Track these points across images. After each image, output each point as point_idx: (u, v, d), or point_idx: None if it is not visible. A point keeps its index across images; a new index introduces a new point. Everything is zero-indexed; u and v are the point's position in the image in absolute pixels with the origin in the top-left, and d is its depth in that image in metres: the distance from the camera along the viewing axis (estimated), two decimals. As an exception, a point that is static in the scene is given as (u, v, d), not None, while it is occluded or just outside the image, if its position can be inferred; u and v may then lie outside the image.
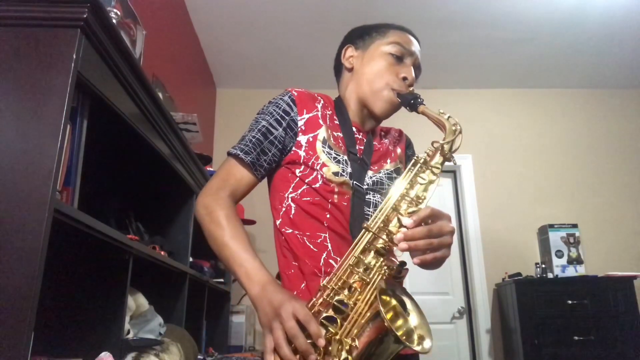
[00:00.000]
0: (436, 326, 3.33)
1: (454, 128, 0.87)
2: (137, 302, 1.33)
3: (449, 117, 0.89)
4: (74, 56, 0.85)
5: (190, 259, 1.86)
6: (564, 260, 3.32)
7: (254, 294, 0.80)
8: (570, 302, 2.95)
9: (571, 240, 3.37)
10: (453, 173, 3.77)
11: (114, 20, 1.22)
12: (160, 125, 1.38)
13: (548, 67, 3.61)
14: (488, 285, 3.42)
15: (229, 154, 0.96)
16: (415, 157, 0.88)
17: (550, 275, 3.21)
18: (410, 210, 0.81)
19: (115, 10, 1.36)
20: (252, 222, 2.98)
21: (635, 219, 3.59)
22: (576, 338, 2.86)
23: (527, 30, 3.13)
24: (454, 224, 4.08)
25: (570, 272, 3.28)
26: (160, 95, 1.57)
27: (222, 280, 2.43)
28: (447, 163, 0.88)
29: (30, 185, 0.78)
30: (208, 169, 2.17)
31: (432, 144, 0.88)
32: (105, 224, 1.01)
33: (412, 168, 0.87)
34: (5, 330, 0.71)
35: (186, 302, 1.71)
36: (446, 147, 0.86)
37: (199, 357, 1.75)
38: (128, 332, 1.22)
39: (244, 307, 2.89)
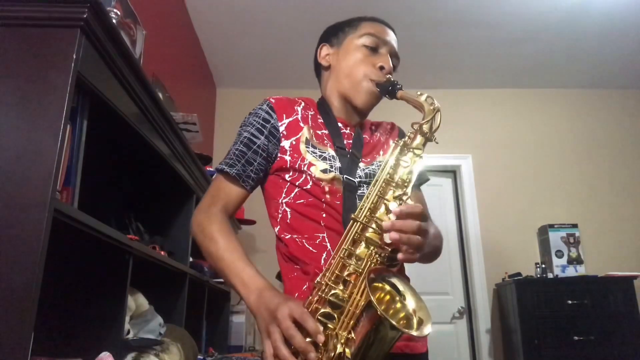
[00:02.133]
0: (436, 326, 3.32)
1: (431, 107, 0.86)
2: (137, 302, 1.33)
3: (427, 97, 0.88)
4: (74, 56, 0.85)
5: (190, 259, 1.86)
6: (564, 260, 3.32)
7: (251, 301, 0.79)
8: (570, 302, 2.95)
9: (571, 240, 3.37)
10: (453, 173, 3.77)
11: (114, 20, 1.22)
12: (160, 125, 1.38)
13: (548, 67, 3.61)
14: (488, 285, 3.42)
15: (216, 169, 0.97)
16: (395, 141, 0.88)
17: (550, 275, 3.21)
18: (397, 194, 0.81)
19: (115, 10, 1.36)
20: (252, 222, 2.97)
21: (635, 219, 3.58)
22: (576, 338, 2.86)
23: (527, 30, 3.12)
24: (454, 224, 4.01)
25: (570, 272, 3.28)
26: (160, 95, 1.57)
27: (222, 280, 2.43)
28: (430, 144, 0.88)
29: (30, 185, 0.78)
30: (208, 169, 2.17)
31: (412, 125, 0.88)
32: (105, 224, 1.01)
33: (393, 152, 0.86)
34: (5, 330, 0.71)
35: (186, 302, 1.71)
36: (425, 127, 0.86)
37: (199, 357, 1.75)
38: (128, 332, 1.22)
39: (244, 307, 2.89)
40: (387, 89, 0.95)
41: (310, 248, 0.91)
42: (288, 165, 0.95)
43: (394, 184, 0.83)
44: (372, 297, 0.68)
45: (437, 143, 0.89)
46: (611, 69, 3.62)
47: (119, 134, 1.25)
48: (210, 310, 2.29)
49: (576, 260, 3.32)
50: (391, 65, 1.03)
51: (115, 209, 1.44)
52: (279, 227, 0.96)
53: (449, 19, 3.00)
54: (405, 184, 0.83)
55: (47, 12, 0.87)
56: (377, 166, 1.00)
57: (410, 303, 0.74)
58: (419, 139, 0.86)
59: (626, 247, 3.50)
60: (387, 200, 0.81)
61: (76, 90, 0.90)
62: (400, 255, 0.77)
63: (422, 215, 0.79)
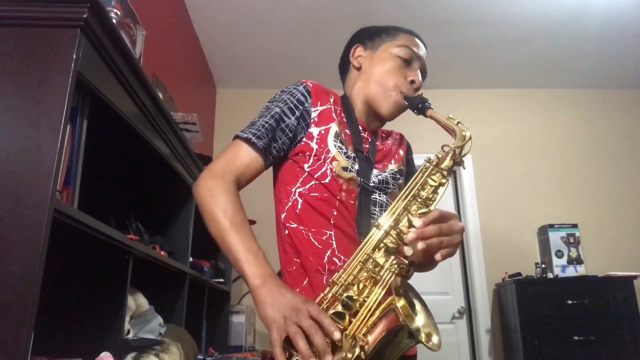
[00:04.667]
0: (436, 326, 3.33)
1: (464, 134, 0.88)
2: (137, 302, 1.33)
3: (458, 122, 0.90)
4: (74, 56, 0.85)
5: (190, 259, 1.86)
6: (564, 260, 3.32)
7: (256, 285, 0.78)
8: (570, 302, 2.94)
9: (571, 240, 3.37)
10: (453, 173, 3.77)
11: (114, 20, 1.22)
12: (160, 125, 1.38)
13: (548, 67, 3.61)
14: (488, 285, 3.42)
15: (239, 137, 0.93)
16: (426, 159, 0.88)
17: (550, 275, 3.21)
18: (421, 211, 0.83)
19: (115, 10, 1.36)
20: (252, 222, 2.97)
21: (635, 219, 3.58)
22: (576, 338, 2.85)
23: (527, 30, 3.12)
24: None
25: (570, 272, 3.28)
26: (160, 95, 1.57)
27: (222, 280, 2.43)
28: (455, 167, 0.90)
29: (30, 185, 0.78)
30: (208, 169, 2.16)
31: (442, 147, 0.89)
32: (105, 224, 1.01)
33: (424, 170, 0.87)
34: (5, 330, 0.71)
35: (186, 302, 1.71)
36: (457, 151, 0.87)
37: (199, 357, 1.75)
38: (128, 332, 1.22)
39: (244, 307, 2.89)
40: (417, 105, 0.96)
41: (316, 243, 0.91)
42: (313, 153, 0.94)
43: (419, 200, 0.85)
44: (397, 304, 0.70)
45: (464, 169, 0.92)
46: (611, 69, 3.62)
47: (119, 134, 1.25)
48: (210, 310, 2.29)
49: (576, 260, 3.31)
50: (420, 80, 1.05)
51: (115, 209, 1.44)
52: (285, 214, 0.95)
53: (449, 19, 3.00)
54: (429, 203, 0.85)
55: (47, 12, 0.87)
56: (390, 174, 1.02)
57: (420, 320, 0.76)
58: (448, 161, 0.88)
59: (626, 247, 3.50)
60: (411, 214, 0.83)
61: (76, 90, 0.89)
62: (437, 258, 0.79)
63: (443, 218, 0.80)
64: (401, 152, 1.12)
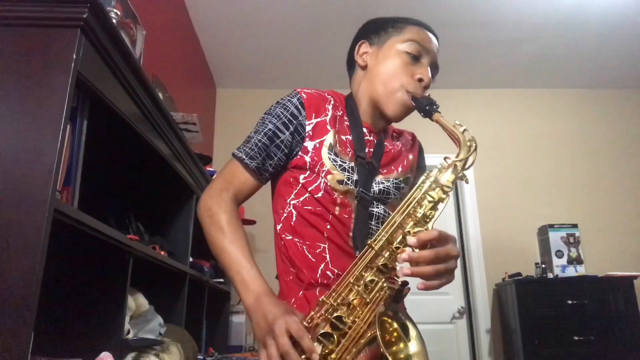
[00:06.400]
0: (436, 326, 3.33)
1: (469, 144, 0.82)
2: (137, 302, 1.33)
3: (464, 130, 0.84)
4: (74, 56, 0.85)
5: (190, 259, 1.86)
6: (564, 260, 3.32)
7: (249, 303, 0.80)
8: (570, 302, 2.94)
9: (571, 240, 3.36)
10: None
11: (114, 20, 1.22)
12: (160, 125, 1.38)
13: (548, 67, 3.61)
14: (488, 285, 3.42)
15: (234, 156, 0.94)
16: (426, 173, 0.84)
17: (550, 275, 3.21)
18: (417, 229, 0.79)
19: (115, 10, 1.36)
20: (252, 222, 2.98)
21: (635, 219, 3.58)
22: (576, 338, 2.85)
23: (527, 30, 3.12)
24: (454, 224, 4.00)
25: (570, 272, 3.27)
26: (160, 95, 1.57)
27: (222, 280, 2.43)
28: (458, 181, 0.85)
29: (30, 185, 0.78)
30: (208, 169, 2.17)
31: (445, 159, 0.84)
32: (105, 224, 1.01)
33: (422, 185, 0.83)
34: (5, 330, 0.71)
35: (186, 302, 1.71)
36: (459, 165, 0.82)
37: (199, 357, 1.75)
38: (128, 332, 1.22)
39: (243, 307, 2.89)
40: (424, 107, 0.90)
41: (310, 256, 0.90)
42: (307, 166, 0.93)
43: (416, 218, 0.80)
44: (378, 333, 0.68)
45: (467, 183, 0.86)
46: (611, 69, 3.62)
47: (119, 134, 1.25)
48: (210, 310, 2.29)
49: (576, 260, 3.31)
50: (430, 77, 0.98)
51: (115, 209, 1.44)
52: (281, 225, 0.95)
53: (449, 19, 3.00)
54: (427, 220, 0.80)
55: (47, 12, 0.87)
56: (393, 184, 0.98)
57: (413, 347, 0.73)
58: (449, 176, 0.82)
59: (626, 247, 3.50)
60: (407, 233, 0.79)
61: (76, 90, 0.90)
62: (420, 286, 0.75)
63: (441, 239, 0.77)
64: (410, 157, 1.07)
